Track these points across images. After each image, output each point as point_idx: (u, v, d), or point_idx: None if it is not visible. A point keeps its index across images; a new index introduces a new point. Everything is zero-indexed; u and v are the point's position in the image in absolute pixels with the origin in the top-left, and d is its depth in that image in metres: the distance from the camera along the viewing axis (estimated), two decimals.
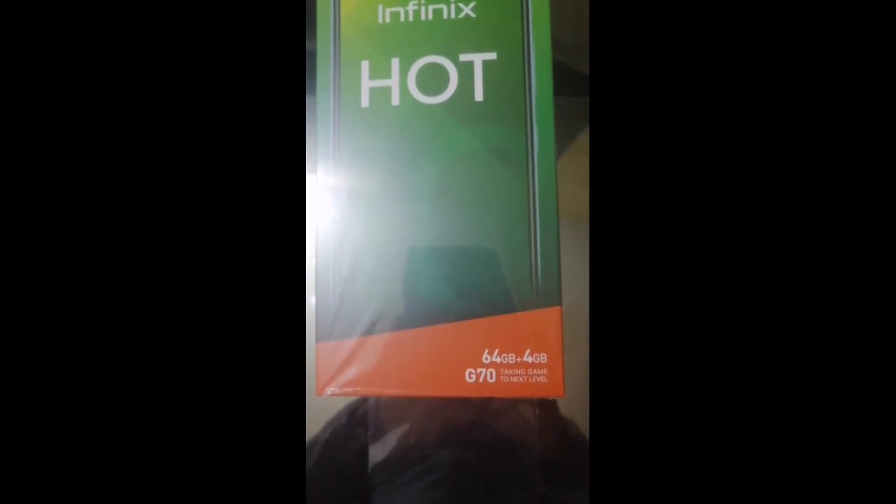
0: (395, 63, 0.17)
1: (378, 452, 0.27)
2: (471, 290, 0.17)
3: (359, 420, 0.30)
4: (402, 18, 0.18)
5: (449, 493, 0.25)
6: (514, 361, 0.16)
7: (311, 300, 0.18)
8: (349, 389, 0.17)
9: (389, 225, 0.17)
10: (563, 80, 0.25)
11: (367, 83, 0.17)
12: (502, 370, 0.16)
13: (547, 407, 0.25)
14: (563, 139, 0.24)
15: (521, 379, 0.16)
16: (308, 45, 0.18)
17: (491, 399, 0.24)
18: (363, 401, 0.29)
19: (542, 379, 0.16)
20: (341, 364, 0.17)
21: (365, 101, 0.17)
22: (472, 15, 0.17)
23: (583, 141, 0.25)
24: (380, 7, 0.18)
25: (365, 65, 0.18)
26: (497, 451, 0.25)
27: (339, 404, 0.30)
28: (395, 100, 0.17)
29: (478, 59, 0.17)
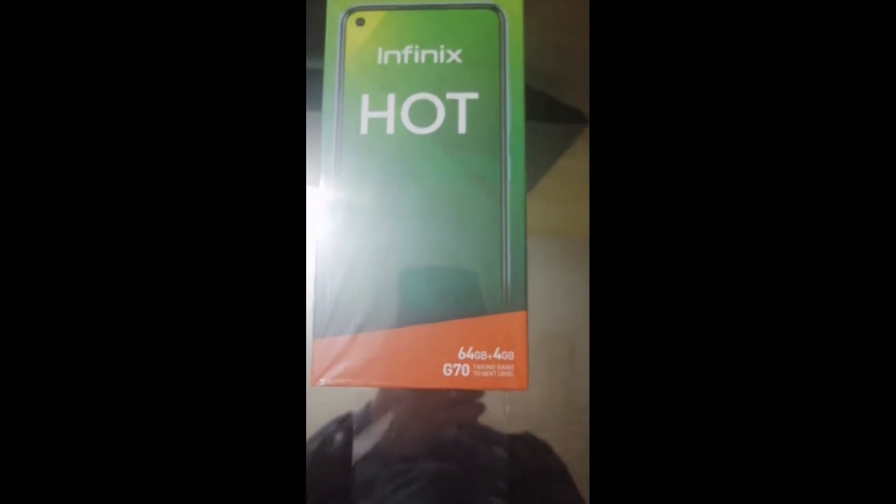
0: (391, 98, 0.20)
1: (361, 457, 0.29)
2: (449, 296, 0.19)
3: (345, 429, 0.31)
4: (399, 60, 0.20)
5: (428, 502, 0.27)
6: (485, 358, 0.19)
7: (309, 301, 0.20)
8: (340, 381, 0.19)
9: (381, 237, 0.20)
10: (540, 107, 0.28)
11: (366, 114, 0.20)
12: (475, 365, 0.19)
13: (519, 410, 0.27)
14: (542, 162, 0.27)
15: (491, 373, 0.19)
16: (317, 76, 0.21)
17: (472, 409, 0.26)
18: (348, 415, 0.31)
19: (509, 374, 0.19)
20: (334, 358, 0.19)
21: (364, 129, 0.20)
22: (459, 60, 0.20)
23: (560, 164, 0.28)
24: (380, 49, 0.21)
25: (365, 98, 0.20)
26: (474, 462, 0.27)
27: (326, 418, 0.32)
28: (390, 129, 0.20)
29: (462, 97, 0.20)
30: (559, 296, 0.25)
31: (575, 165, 0.27)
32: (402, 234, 0.20)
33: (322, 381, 0.19)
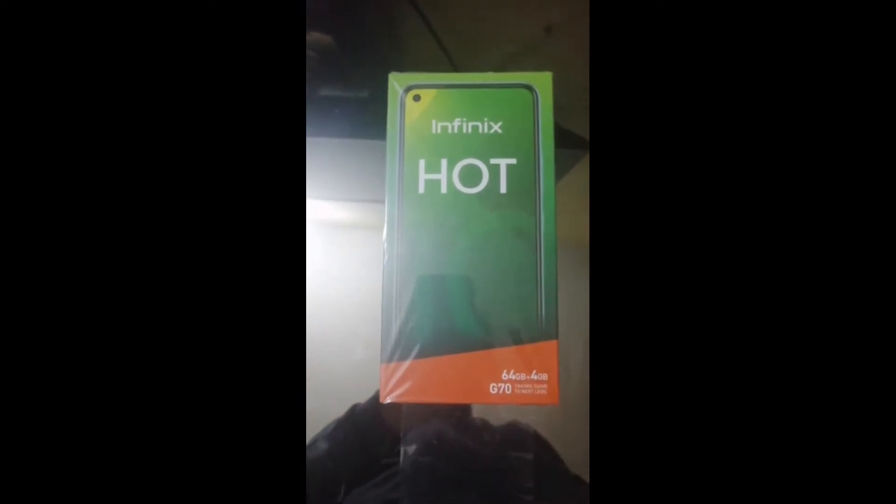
0: (444, 162, 0.24)
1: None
2: (495, 328, 0.23)
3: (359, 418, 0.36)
4: (450, 131, 0.25)
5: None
6: (524, 379, 0.23)
7: (378, 331, 0.24)
8: (404, 398, 0.23)
9: (437, 279, 0.24)
10: (564, 137, 0.33)
11: (423, 176, 0.24)
12: (516, 385, 0.23)
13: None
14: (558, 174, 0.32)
15: (529, 391, 0.23)
16: (382, 143, 0.25)
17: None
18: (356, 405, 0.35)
19: (543, 391, 0.23)
20: (398, 380, 0.24)
21: (421, 189, 0.24)
22: (500, 131, 0.24)
23: (570, 177, 0.32)
24: (433, 121, 0.25)
25: (422, 162, 0.24)
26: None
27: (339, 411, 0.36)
28: (444, 189, 0.24)
29: (503, 162, 0.24)
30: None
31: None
32: (453, 276, 0.24)
33: (388, 398, 0.24)
